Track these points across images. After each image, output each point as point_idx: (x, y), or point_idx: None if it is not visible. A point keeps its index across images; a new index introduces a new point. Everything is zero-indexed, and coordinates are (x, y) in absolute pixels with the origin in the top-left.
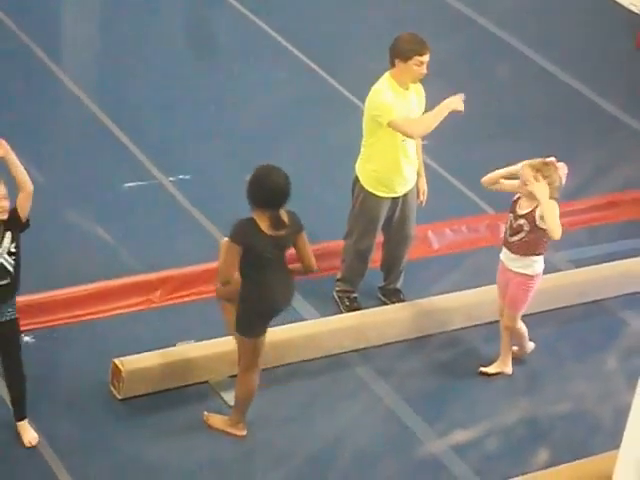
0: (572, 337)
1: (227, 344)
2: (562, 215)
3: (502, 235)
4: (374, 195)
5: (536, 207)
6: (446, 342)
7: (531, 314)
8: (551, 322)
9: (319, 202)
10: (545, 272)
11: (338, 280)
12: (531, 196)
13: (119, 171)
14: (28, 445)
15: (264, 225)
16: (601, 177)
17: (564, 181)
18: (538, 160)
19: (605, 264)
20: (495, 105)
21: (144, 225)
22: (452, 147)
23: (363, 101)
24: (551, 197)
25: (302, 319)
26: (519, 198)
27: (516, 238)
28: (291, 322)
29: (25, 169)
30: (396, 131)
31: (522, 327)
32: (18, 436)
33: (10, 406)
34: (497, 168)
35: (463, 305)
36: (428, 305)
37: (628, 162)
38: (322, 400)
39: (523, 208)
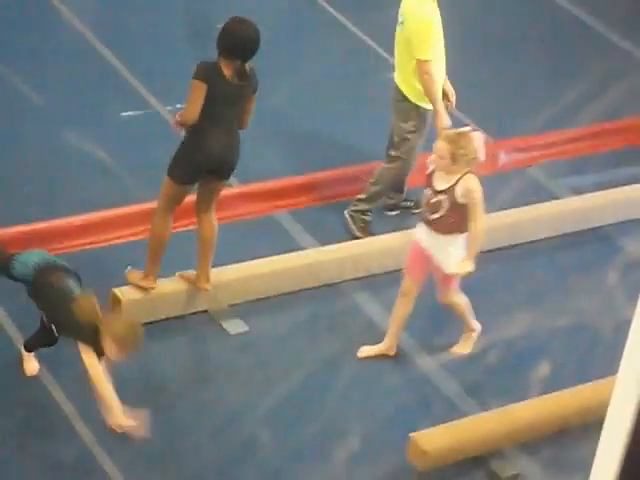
0: (572, 259)
1: (227, 273)
2: (562, 142)
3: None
4: (422, 109)
5: (457, 183)
6: None
7: (531, 242)
8: (550, 247)
9: (316, 132)
10: (544, 199)
11: (360, 200)
12: (449, 170)
13: (116, 100)
14: (30, 374)
15: (227, 73)
16: (594, 100)
17: (482, 153)
18: (451, 132)
19: (603, 191)
20: (485, 27)
21: (142, 154)
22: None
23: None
24: (468, 171)
25: (301, 248)
26: (434, 172)
27: (436, 216)
28: (291, 251)
29: (24, 92)
30: (418, 69)
31: (463, 299)
32: (20, 365)
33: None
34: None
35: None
36: None
37: (620, 85)
38: (320, 323)
39: (441, 183)
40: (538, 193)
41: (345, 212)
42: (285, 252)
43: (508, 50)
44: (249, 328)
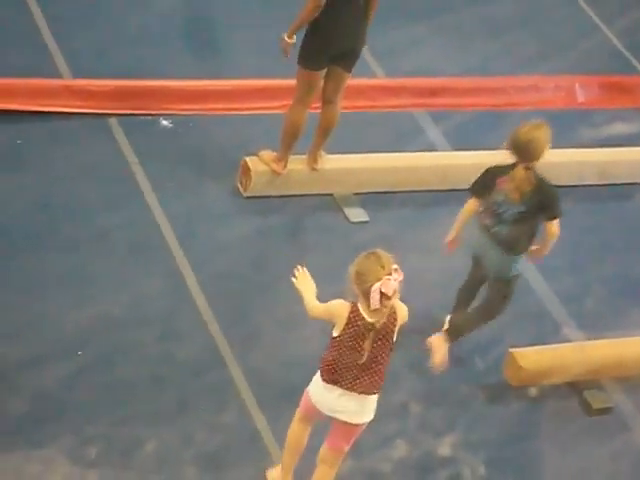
0: None
1: (357, 162)
2: None
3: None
4: None
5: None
6: None
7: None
8: None
9: None
10: None
11: None
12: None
13: None
14: None
15: None
16: None
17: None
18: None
19: None
20: None
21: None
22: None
23: None
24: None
25: (434, 150)
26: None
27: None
28: (423, 151)
29: None
30: None
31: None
32: None
33: None
34: None
35: (596, 162)
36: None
37: None
38: (437, 223)
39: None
40: None
41: None
42: (418, 151)
43: None
44: (369, 218)
